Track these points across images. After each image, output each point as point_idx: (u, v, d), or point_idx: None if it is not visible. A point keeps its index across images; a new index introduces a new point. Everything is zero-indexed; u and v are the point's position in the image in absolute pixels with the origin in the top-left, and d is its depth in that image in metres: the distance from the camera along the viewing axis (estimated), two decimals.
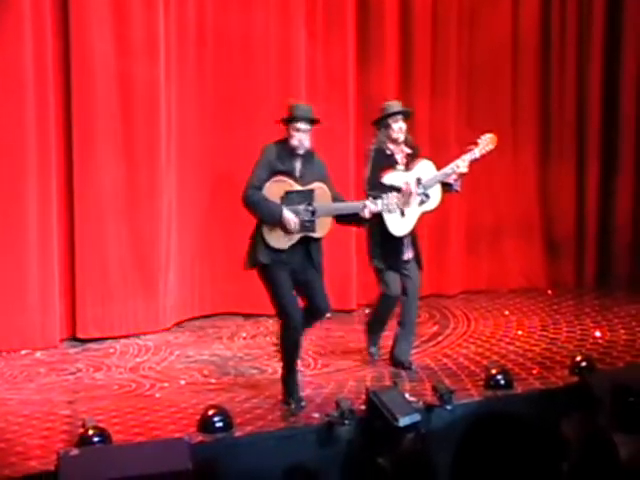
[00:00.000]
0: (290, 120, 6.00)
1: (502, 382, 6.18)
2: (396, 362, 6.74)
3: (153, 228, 7.96)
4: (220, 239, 8.32)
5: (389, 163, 6.63)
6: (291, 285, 5.96)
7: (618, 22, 9.58)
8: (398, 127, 6.63)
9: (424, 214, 6.70)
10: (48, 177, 7.52)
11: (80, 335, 7.72)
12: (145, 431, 5.53)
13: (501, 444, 2.95)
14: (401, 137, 6.65)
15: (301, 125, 5.98)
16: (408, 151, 6.72)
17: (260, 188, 5.89)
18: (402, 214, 6.53)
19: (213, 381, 6.65)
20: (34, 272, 7.45)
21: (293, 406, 5.86)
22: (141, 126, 7.87)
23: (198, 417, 5.53)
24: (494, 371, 6.29)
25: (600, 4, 9.56)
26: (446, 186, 6.69)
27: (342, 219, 6.16)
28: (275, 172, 5.94)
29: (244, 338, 7.84)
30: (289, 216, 5.86)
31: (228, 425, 5.45)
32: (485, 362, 6.88)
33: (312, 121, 6.05)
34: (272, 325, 7.56)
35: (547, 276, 9.71)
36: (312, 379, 6.58)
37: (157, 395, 6.34)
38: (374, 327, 6.93)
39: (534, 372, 6.61)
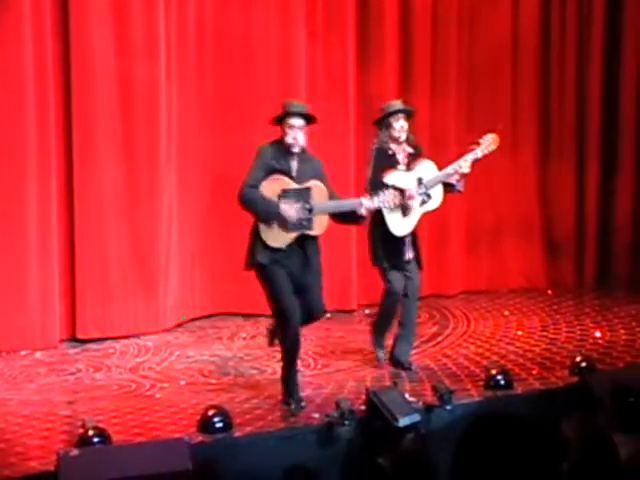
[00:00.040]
0: (283, 117, 5.99)
1: (502, 382, 6.18)
2: (396, 362, 6.73)
3: (153, 228, 7.96)
4: (220, 239, 8.32)
5: (391, 163, 6.61)
6: (290, 285, 5.94)
7: (618, 22, 9.59)
8: (400, 126, 6.61)
9: (425, 214, 6.69)
10: (48, 177, 7.52)
11: (80, 335, 7.72)
12: (145, 431, 5.53)
13: (501, 444, 2.95)
14: (403, 136, 6.63)
15: (294, 121, 5.96)
16: (410, 150, 6.69)
17: (256, 187, 5.88)
18: (403, 214, 6.53)
19: (213, 381, 6.65)
20: (34, 272, 7.46)
21: (293, 406, 5.85)
22: (141, 126, 7.88)
23: (198, 417, 5.52)
24: (494, 371, 6.28)
25: (600, 4, 9.57)
26: (448, 186, 6.67)
27: (340, 218, 6.15)
28: (271, 171, 5.93)
29: (244, 338, 7.84)
30: (286, 207, 5.86)
31: (228, 425, 5.44)
32: (485, 362, 6.88)
33: (306, 117, 6.03)
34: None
35: (547, 276, 9.71)
36: (312, 379, 6.57)
37: (157, 395, 6.33)
38: (380, 326, 6.83)
39: (534, 372, 6.60)
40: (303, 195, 5.92)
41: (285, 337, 6.00)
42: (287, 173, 5.96)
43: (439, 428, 5.60)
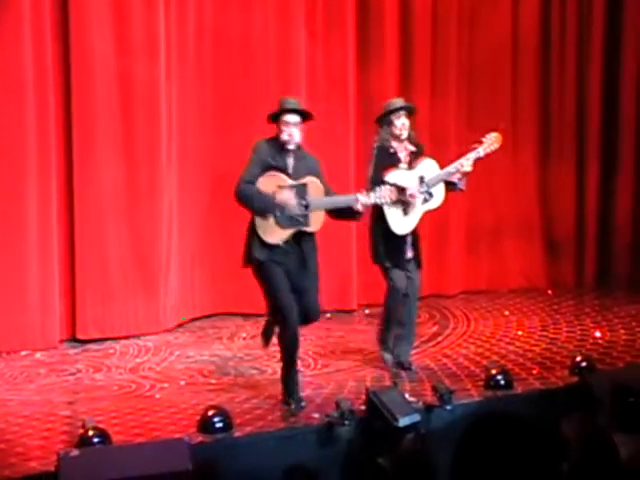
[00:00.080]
0: (278, 114, 5.99)
1: (502, 382, 6.17)
2: (396, 362, 6.73)
3: (153, 228, 7.96)
4: (220, 239, 8.32)
5: (392, 161, 6.60)
6: (287, 283, 5.92)
7: (618, 22, 9.59)
8: (401, 123, 6.59)
9: (427, 213, 6.69)
10: (48, 177, 7.52)
11: (80, 336, 7.72)
12: (145, 432, 5.53)
13: (501, 444, 2.95)
14: (404, 134, 6.61)
15: (289, 118, 5.95)
16: (412, 149, 6.68)
17: (253, 183, 5.87)
18: (405, 212, 6.52)
19: (213, 381, 6.65)
20: (34, 272, 7.46)
21: (293, 406, 5.85)
22: (141, 126, 7.88)
23: (198, 417, 5.52)
24: (494, 371, 6.28)
25: (600, 4, 9.57)
26: (450, 185, 6.65)
27: (336, 214, 6.13)
28: (267, 168, 5.93)
29: (244, 338, 7.84)
30: (283, 195, 5.84)
31: (228, 425, 5.44)
32: (485, 362, 6.88)
33: (301, 114, 6.03)
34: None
35: (547, 276, 9.72)
36: (312, 379, 6.57)
37: (157, 396, 6.33)
38: (388, 326, 6.77)
39: (534, 372, 6.60)
40: (299, 191, 5.91)
41: (283, 335, 5.98)
42: (283, 170, 5.96)
43: (439, 428, 5.59)
